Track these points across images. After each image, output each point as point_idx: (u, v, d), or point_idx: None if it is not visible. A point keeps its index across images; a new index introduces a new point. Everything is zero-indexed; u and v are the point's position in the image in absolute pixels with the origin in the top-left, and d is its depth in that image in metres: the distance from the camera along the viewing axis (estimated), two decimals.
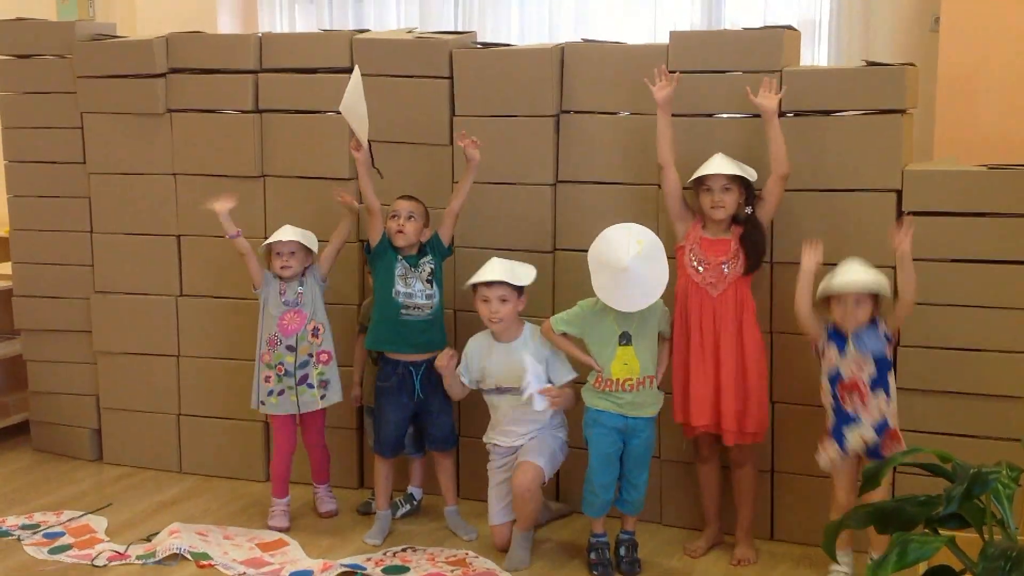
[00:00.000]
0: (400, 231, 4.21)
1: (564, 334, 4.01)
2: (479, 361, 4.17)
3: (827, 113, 4.07)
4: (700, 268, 3.97)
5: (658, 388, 4.01)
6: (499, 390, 4.14)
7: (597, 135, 4.38)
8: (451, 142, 4.53)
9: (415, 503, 4.57)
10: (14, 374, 5.67)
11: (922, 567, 2.61)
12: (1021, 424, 3.89)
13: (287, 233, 4.36)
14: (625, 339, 3.93)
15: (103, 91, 4.94)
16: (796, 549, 4.16)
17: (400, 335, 4.25)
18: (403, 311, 4.23)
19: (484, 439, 4.25)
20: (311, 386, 4.42)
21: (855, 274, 3.73)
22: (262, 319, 4.42)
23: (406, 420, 4.33)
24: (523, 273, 4.08)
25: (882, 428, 3.72)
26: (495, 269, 4.07)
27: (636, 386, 3.94)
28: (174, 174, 4.93)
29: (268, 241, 4.40)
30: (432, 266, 4.27)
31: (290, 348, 4.39)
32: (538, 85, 4.39)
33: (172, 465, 5.10)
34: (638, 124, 4.29)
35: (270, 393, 4.42)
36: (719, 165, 3.93)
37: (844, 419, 3.76)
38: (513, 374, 4.05)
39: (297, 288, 4.40)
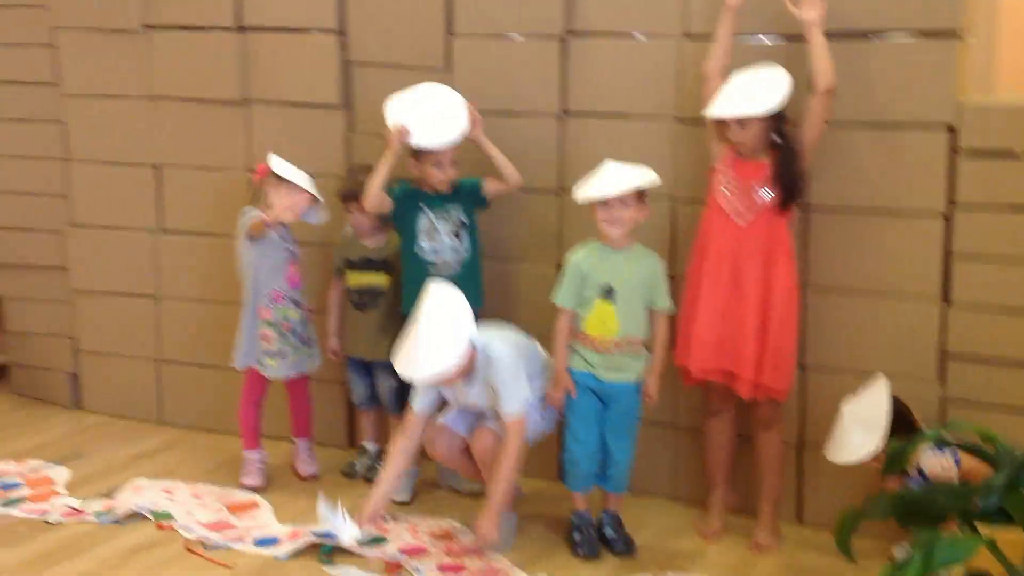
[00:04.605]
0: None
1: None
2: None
3: (869, 35, 3.57)
4: (728, 192, 3.51)
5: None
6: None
7: (609, 60, 3.91)
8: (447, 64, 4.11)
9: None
10: None
11: (955, 572, 2.15)
12: None
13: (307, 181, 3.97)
14: (608, 293, 3.53)
15: (77, 4, 4.56)
16: (825, 536, 3.58)
17: None
18: (431, 268, 3.87)
19: None
20: (308, 344, 4.11)
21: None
22: (258, 269, 4.00)
23: None
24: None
25: None
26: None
27: (611, 347, 3.54)
28: (152, 97, 4.54)
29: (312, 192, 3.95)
30: (463, 217, 3.89)
31: (296, 303, 4.04)
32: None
33: (151, 415, 4.76)
34: (653, 49, 3.83)
35: (267, 353, 4.03)
36: (723, 107, 3.45)
37: None
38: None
39: (292, 235, 4.04)
